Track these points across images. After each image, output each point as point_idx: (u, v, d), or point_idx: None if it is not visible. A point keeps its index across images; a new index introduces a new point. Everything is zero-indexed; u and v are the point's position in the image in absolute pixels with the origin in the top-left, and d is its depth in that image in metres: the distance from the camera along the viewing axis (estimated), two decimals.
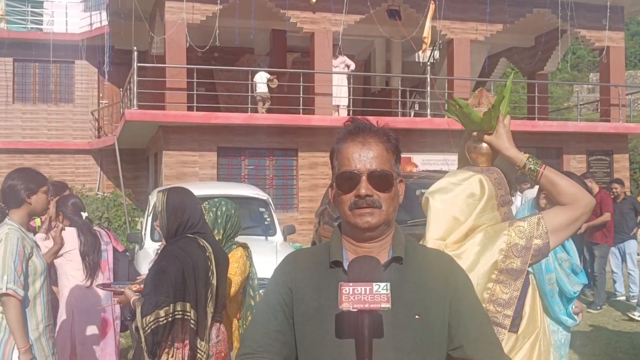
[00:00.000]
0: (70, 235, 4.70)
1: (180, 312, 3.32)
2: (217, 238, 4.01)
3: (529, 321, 2.46)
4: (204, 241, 3.53)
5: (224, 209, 4.09)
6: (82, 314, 4.85)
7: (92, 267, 4.77)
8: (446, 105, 2.70)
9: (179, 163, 14.28)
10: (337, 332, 1.70)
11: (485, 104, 2.61)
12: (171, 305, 3.28)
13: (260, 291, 4.09)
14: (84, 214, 4.90)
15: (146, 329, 3.22)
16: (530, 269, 2.55)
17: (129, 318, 4.92)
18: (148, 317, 3.23)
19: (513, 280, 2.41)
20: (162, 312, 3.26)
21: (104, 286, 4.03)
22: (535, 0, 16.85)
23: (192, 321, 3.37)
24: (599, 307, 9.81)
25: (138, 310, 3.26)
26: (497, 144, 2.55)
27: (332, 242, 1.87)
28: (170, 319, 3.27)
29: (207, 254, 3.50)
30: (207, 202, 4.17)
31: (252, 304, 4.16)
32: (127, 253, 5.27)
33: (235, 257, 4.00)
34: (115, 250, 5.12)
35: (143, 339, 3.24)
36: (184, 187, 3.88)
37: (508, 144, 2.53)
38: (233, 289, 3.92)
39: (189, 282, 3.36)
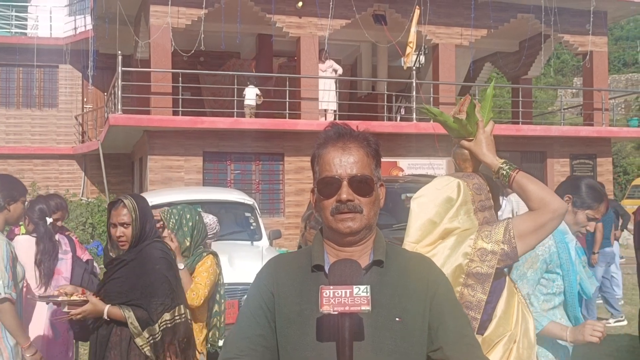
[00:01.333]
0: (28, 243, 4.67)
1: (183, 314, 3.39)
2: (186, 245, 4.03)
3: (499, 324, 2.47)
4: (167, 244, 3.63)
5: (188, 216, 4.07)
6: (32, 322, 4.71)
7: (46, 274, 4.69)
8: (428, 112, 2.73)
9: (164, 168, 14.22)
10: (318, 336, 1.71)
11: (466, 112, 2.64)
12: (176, 307, 3.35)
13: (244, 297, 4.09)
14: (49, 220, 4.86)
15: (157, 335, 3.25)
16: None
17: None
18: (159, 321, 3.27)
19: (480, 284, 2.43)
20: (168, 315, 3.30)
21: (41, 298, 3.79)
22: (519, 5, 16.99)
23: (190, 321, 3.44)
24: None
25: (131, 316, 3.25)
26: (475, 150, 2.57)
27: (314, 247, 1.88)
28: (177, 321, 3.34)
29: (174, 257, 3.59)
30: (166, 210, 4.15)
31: (218, 310, 4.18)
32: (87, 262, 5.17)
33: (205, 266, 4.01)
34: (77, 259, 5.05)
35: (149, 346, 3.25)
36: (137, 194, 3.92)
37: (486, 150, 2.55)
38: (202, 298, 3.92)
39: (180, 284, 3.44)
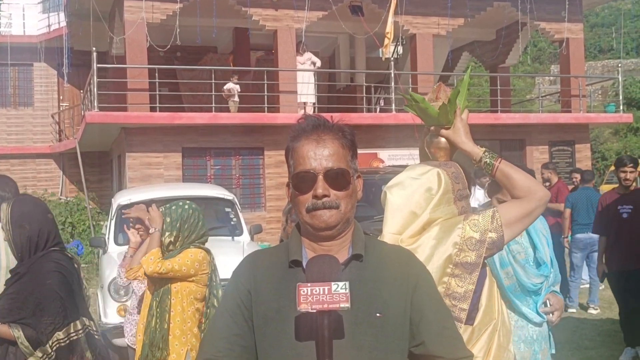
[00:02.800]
0: None
1: (82, 329, 3.20)
2: (168, 240, 3.91)
3: (485, 313, 2.46)
4: (69, 253, 3.39)
5: (179, 211, 3.97)
6: None
7: None
8: (407, 100, 2.69)
9: (143, 165, 14.08)
10: (296, 334, 1.67)
11: (443, 99, 2.60)
12: (71, 324, 3.15)
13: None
14: None
15: (51, 354, 3.07)
16: (486, 262, 2.56)
17: None
18: (50, 341, 3.07)
19: (468, 274, 2.40)
20: (61, 334, 3.11)
21: None
22: None
23: (96, 334, 3.27)
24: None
25: (21, 336, 3.04)
26: (454, 138, 2.54)
27: (291, 242, 1.84)
28: (72, 338, 3.14)
29: (77, 266, 3.35)
30: (165, 205, 4.08)
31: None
32: None
33: (183, 254, 3.86)
34: None
35: None
36: (32, 196, 3.73)
37: (465, 138, 2.53)
38: (155, 267, 3.73)
39: (78, 298, 3.24)
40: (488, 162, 2.49)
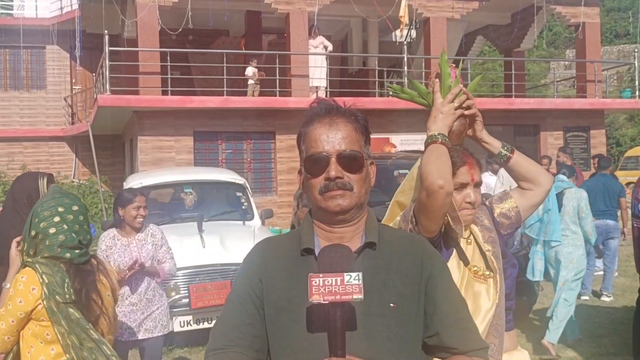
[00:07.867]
0: None
1: None
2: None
3: None
4: None
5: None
6: None
7: None
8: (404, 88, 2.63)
9: (154, 148, 14.08)
10: (308, 325, 1.63)
11: (431, 85, 2.48)
12: None
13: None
14: None
15: None
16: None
17: None
18: None
19: None
20: None
21: None
22: None
23: None
24: None
25: None
26: (427, 125, 2.36)
27: (303, 229, 1.80)
28: None
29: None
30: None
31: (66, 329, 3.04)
32: None
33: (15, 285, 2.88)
34: None
35: None
36: None
37: (430, 122, 2.33)
38: None
39: None
40: (432, 141, 2.26)
